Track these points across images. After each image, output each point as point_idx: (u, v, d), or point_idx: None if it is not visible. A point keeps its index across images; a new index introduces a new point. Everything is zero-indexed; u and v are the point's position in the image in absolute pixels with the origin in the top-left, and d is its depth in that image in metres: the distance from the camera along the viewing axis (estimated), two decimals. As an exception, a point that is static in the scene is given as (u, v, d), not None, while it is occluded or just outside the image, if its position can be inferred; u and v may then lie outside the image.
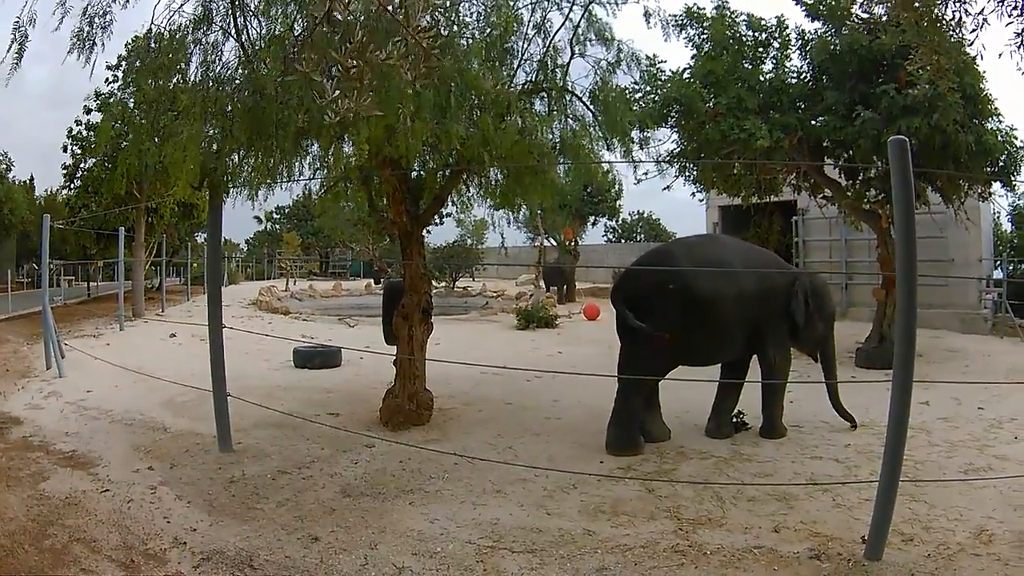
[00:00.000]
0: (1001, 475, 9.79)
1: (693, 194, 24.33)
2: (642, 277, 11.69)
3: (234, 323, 24.27)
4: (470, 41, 10.18)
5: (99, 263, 46.97)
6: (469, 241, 50.01)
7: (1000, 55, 9.73)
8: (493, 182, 12.45)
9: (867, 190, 20.56)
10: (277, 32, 9.00)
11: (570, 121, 11.64)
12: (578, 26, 11.54)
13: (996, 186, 20.80)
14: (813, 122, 19.66)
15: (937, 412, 13.47)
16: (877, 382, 7.42)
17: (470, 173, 12.06)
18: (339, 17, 5.43)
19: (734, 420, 12.34)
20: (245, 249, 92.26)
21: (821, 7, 19.35)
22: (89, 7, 9.18)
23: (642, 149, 13.61)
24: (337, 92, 5.37)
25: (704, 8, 20.43)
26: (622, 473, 10.08)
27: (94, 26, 9.23)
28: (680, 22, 19.97)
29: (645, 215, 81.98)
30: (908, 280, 7.00)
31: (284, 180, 10.87)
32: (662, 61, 20.36)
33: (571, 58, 11.64)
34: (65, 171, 36.16)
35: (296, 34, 8.57)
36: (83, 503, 8.70)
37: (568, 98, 11.70)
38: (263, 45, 9.07)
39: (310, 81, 6.00)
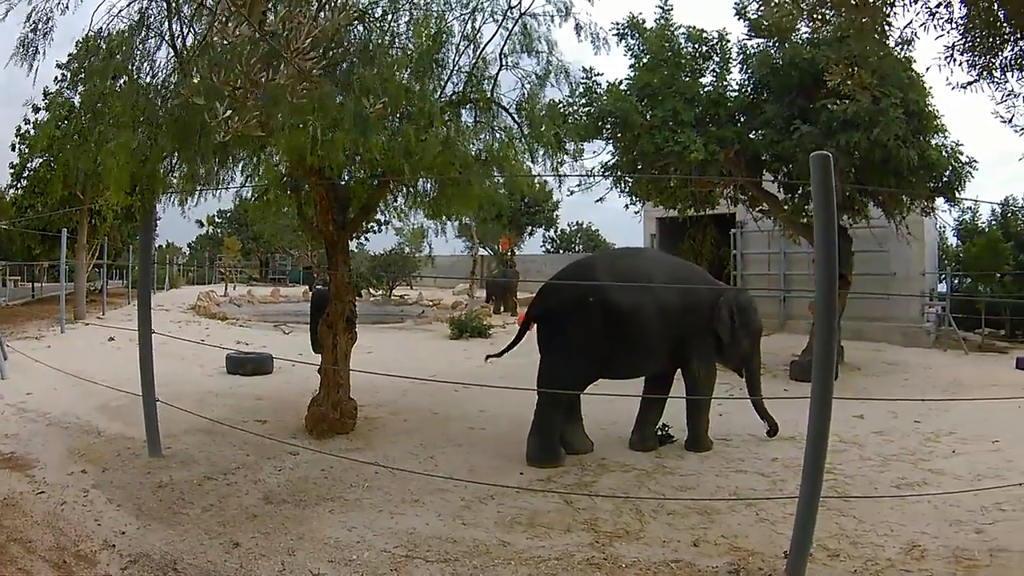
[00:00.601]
0: (936, 490, 9.78)
1: (627, 206, 24.20)
2: (561, 291, 11.69)
3: (172, 328, 24.60)
4: (399, 52, 10.16)
5: (44, 264, 46.54)
6: (407, 249, 49.97)
7: (928, 68, 9.83)
8: (421, 192, 12.41)
9: (805, 204, 20.49)
10: (210, 40, 8.95)
11: (497, 133, 11.63)
12: (508, 38, 11.54)
13: (939, 201, 20.79)
14: (751, 135, 19.70)
15: (872, 426, 13.53)
16: (807, 398, 7.33)
17: (396, 183, 11.99)
18: (218, 42, 5.46)
19: (659, 432, 12.32)
20: (187, 253, 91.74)
21: (764, 22, 19.31)
22: (33, 13, 9.19)
23: (575, 161, 13.54)
24: (229, 112, 5.38)
25: (645, 19, 20.41)
26: (541, 485, 10.10)
27: (37, 32, 9.25)
28: (621, 31, 19.99)
29: (584, 225, 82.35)
30: (827, 299, 6.89)
31: (213, 188, 10.90)
32: (599, 73, 20.36)
33: (499, 70, 11.65)
34: (12, 170, 35.73)
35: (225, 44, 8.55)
36: (20, 504, 8.77)
37: (495, 109, 11.70)
38: (196, 53, 9.02)
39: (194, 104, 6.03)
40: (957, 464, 11.30)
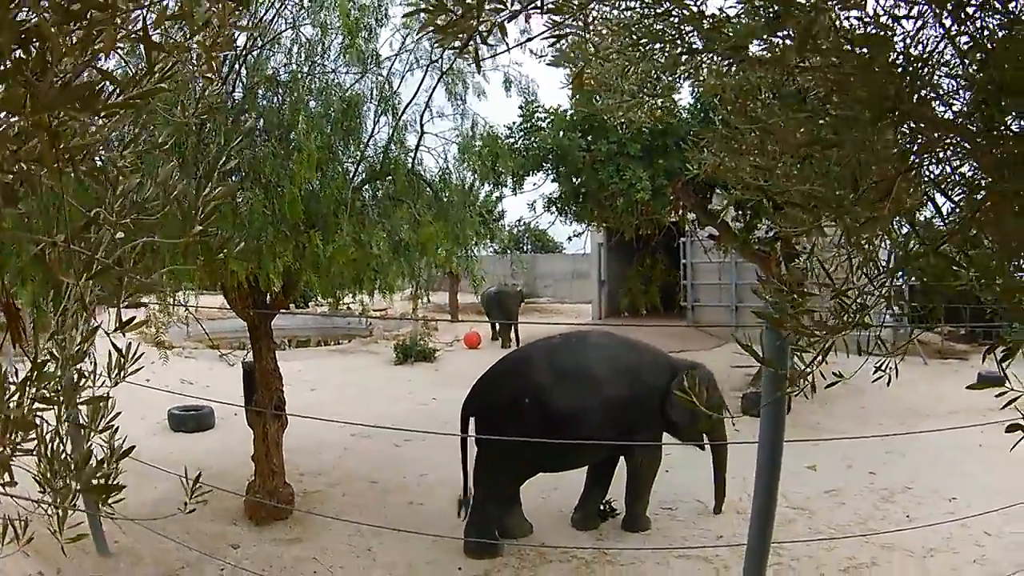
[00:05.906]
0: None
1: (570, 238, 23.88)
2: (498, 388, 11.46)
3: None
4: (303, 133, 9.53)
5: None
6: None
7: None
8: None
9: (756, 225, 20.12)
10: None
11: (419, 211, 10.95)
12: (430, 99, 11.04)
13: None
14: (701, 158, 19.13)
15: (824, 481, 13.18)
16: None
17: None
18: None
19: (601, 508, 12.07)
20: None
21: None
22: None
23: (514, 194, 13.39)
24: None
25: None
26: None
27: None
28: (567, 57, 19.47)
29: (532, 225, 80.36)
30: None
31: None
32: (538, 106, 19.74)
33: (420, 138, 11.11)
34: None
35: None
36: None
37: (415, 182, 11.13)
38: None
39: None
40: (908, 537, 10.66)
